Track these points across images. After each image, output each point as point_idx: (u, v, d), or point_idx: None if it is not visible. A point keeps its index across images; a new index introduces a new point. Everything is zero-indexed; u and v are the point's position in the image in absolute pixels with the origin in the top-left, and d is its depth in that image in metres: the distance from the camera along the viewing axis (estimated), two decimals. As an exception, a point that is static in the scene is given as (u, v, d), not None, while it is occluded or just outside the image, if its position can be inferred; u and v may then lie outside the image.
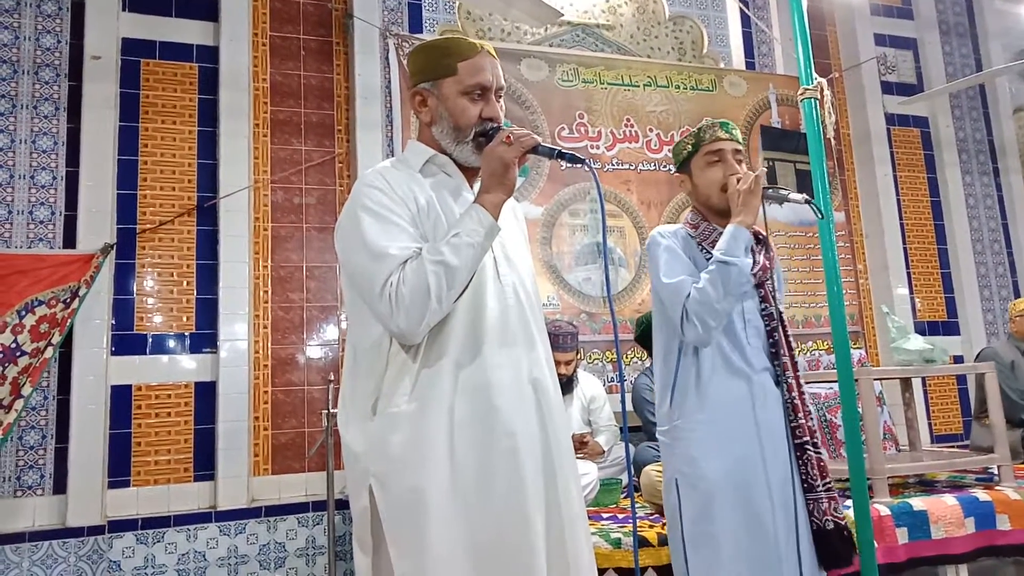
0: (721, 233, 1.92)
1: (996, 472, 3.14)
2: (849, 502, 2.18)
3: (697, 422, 1.84)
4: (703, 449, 1.82)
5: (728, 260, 1.79)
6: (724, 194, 1.93)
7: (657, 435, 1.97)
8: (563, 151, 1.46)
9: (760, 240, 1.97)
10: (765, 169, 2.26)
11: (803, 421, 1.86)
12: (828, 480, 1.84)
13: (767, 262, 1.94)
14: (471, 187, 1.54)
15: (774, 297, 1.94)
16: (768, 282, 1.93)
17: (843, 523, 1.83)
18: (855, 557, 1.89)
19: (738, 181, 1.89)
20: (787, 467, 1.82)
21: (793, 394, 1.87)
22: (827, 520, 1.81)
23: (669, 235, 1.96)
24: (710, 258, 1.90)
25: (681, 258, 1.91)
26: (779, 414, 1.85)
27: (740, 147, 1.99)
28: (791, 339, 1.94)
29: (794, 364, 1.91)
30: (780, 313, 1.93)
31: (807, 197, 1.92)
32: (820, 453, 1.86)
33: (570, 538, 1.40)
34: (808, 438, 1.85)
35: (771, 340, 1.91)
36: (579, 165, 1.45)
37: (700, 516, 1.80)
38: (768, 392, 1.86)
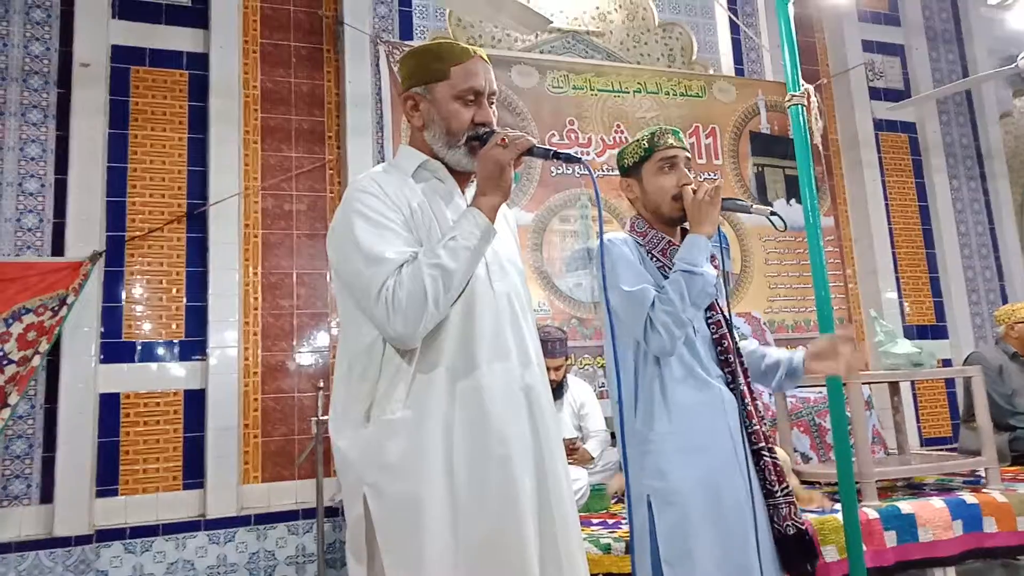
0: (668, 241, 1.92)
1: (983, 475, 3.16)
2: (838, 505, 2.19)
3: (667, 433, 1.80)
4: (674, 462, 1.78)
5: (693, 270, 1.77)
6: (675, 202, 1.90)
7: (620, 449, 1.91)
8: (558, 151, 1.45)
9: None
10: (721, 180, 2.23)
11: (758, 427, 1.85)
12: (786, 485, 1.84)
13: (714, 270, 1.93)
14: (463, 192, 1.54)
15: (720, 304, 1.92)
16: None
17: (803, 527, 1.82)
18: (817, 561, 1.89)
19: (694, 191, 1.86)
20: (750, 473, 1.82)
21: (747, 400, 1.85)
22: (788, 525, 1.80)
23: (620, 242, 1.90)
24: (660, 266, 1.89)
25: (637, 266, 1.87)
26: (738, 420, 1.84)
27: (690, 156, 1.98)
28: (739, 345, 1.93)
29: (744, 370, 1.89)
30: (728, 320, 1.91)
31: (771, 209, 1.92)
32: (776, 458, 1.85)
33: (563, 544, 1.41)
34: (764, 444, 1.84)
35: (719, 347, 1.89)
36: (575, 164, 1.45)
37: (676, 533, 1.74)
38: (729, 399, 1.85)
